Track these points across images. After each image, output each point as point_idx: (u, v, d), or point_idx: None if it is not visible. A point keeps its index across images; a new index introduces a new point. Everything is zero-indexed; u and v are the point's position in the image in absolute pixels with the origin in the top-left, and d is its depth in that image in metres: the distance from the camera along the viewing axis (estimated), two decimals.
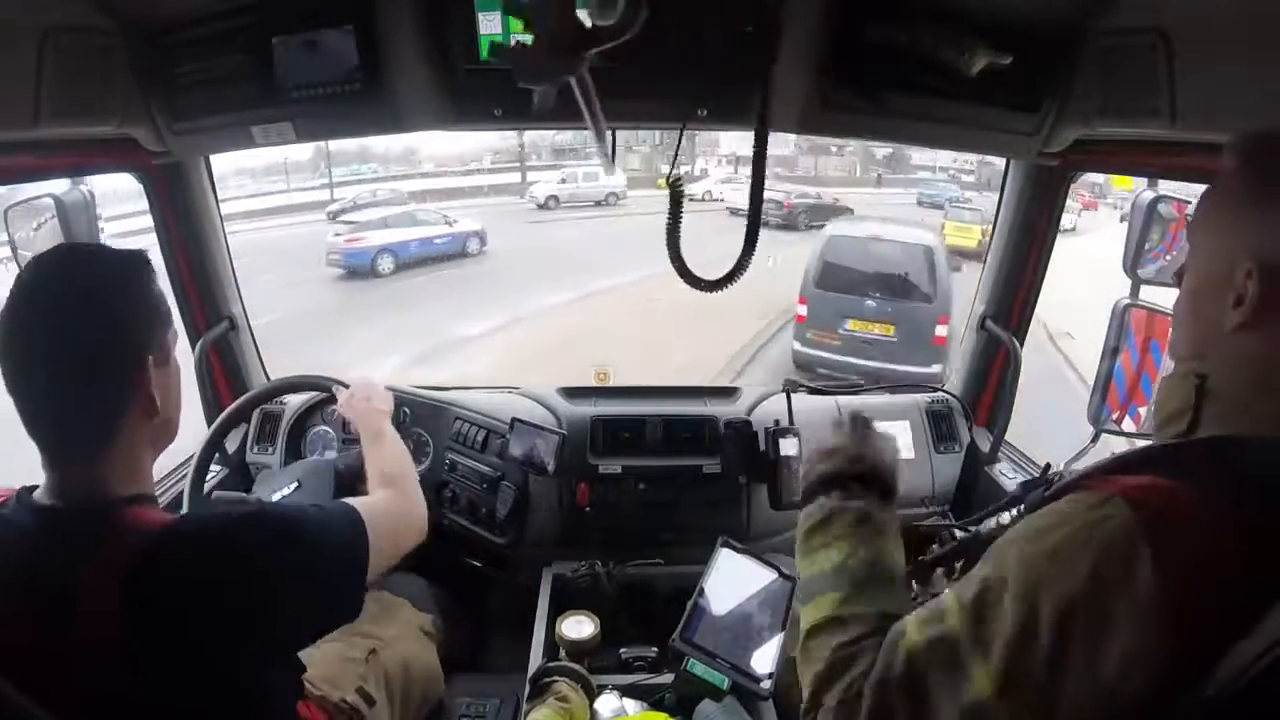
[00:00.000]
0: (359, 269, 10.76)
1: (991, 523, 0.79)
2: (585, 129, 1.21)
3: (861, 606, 0.66)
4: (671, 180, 1.05)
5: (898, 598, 0.68)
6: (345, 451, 1.60)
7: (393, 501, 1.04)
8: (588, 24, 0.67)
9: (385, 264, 10.92)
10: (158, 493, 1.25)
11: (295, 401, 1.71)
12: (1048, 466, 0.88)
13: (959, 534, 0.87)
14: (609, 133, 1.04)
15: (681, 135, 1.20)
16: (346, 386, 1.38)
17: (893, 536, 0.73)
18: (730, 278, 1.00)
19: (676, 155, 1.15)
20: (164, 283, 0.84)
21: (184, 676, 0.70)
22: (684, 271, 1.05)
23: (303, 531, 0.81)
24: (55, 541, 0.72)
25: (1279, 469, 0.50)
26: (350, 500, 0.92)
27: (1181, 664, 0.48)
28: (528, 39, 0.67)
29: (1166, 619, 0.47)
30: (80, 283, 0.75)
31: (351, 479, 1.37)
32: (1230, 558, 0.48)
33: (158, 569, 0.70)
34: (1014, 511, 0.77)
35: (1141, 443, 0.70)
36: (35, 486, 0.75)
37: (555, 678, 1.15)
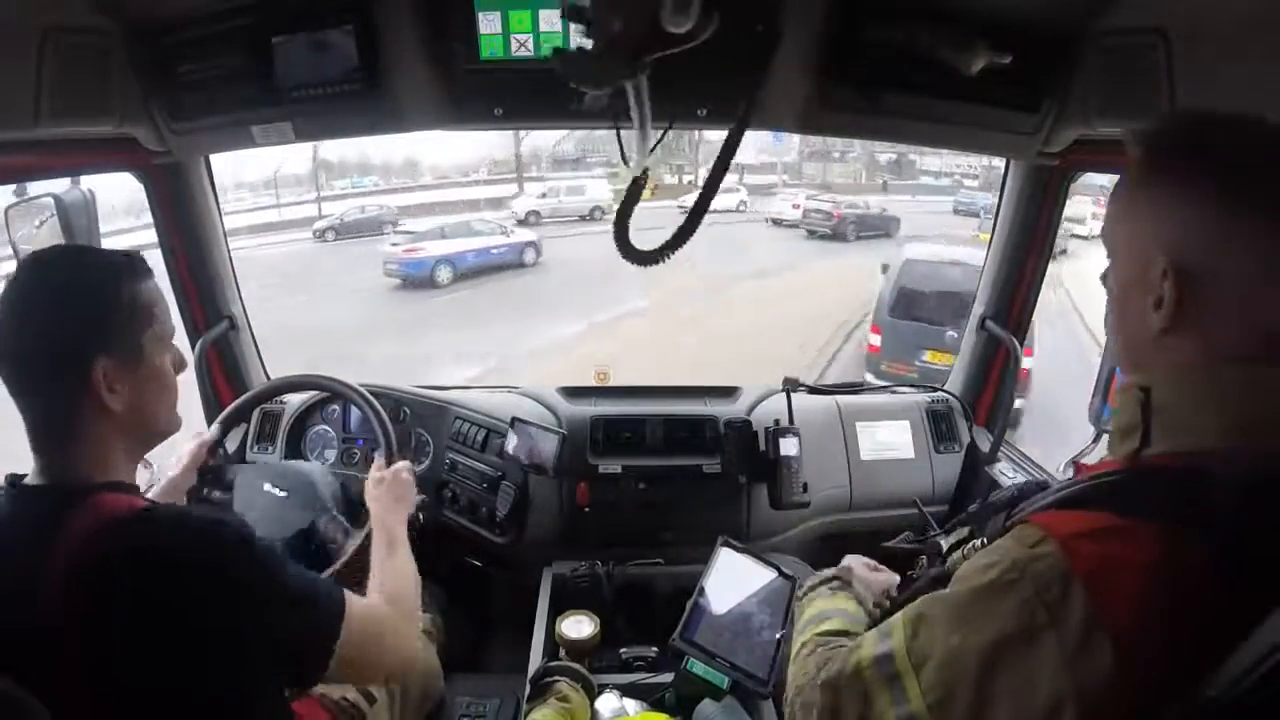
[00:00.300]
0: (417, 279, 10.82)
1: (957, 554, 0.79)
2: (586, 128, 1.21)
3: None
4: (641, 174, 1.07)
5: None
6: (347, 472, 1.55)
7: (387, 619, 0.94)
8: (658, 28, 0.65)
9: (443, 274, 10.94)
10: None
11: (295, 401, 1.71)
12: (1044, 483, 0.88)
13: (932, 570, 0.87)
14: (655, 133, 1.02)
15: (666, 132, 1.21)
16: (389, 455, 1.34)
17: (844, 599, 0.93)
18: (663, 253, 1.02)
19: (654, 147, 1.15)
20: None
21: (132, 663, 0.71)
22: (625, 245, 1.07)
23: (278, 570, 0.79)
24: (27, 521, 0.75)
25: (1210, 501, 0.48)
26: (348, 593, 0.87)
27: (1129, 696, 0.47)
28: (587, 43, 0.66)
29: (1109, 649, 0.47)
30: (48, 282, 0.79)
31: (351, 506, 1.34)
32: (1187, 589, 0.47)
33: (122, 549, 0.72)
34: (977, 543, 0.76)
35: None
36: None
37: (556, 678, 1.15)
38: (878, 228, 13.33)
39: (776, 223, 14.17)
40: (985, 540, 0.71)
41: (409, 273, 10.89)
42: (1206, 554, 0.47)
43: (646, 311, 8.83)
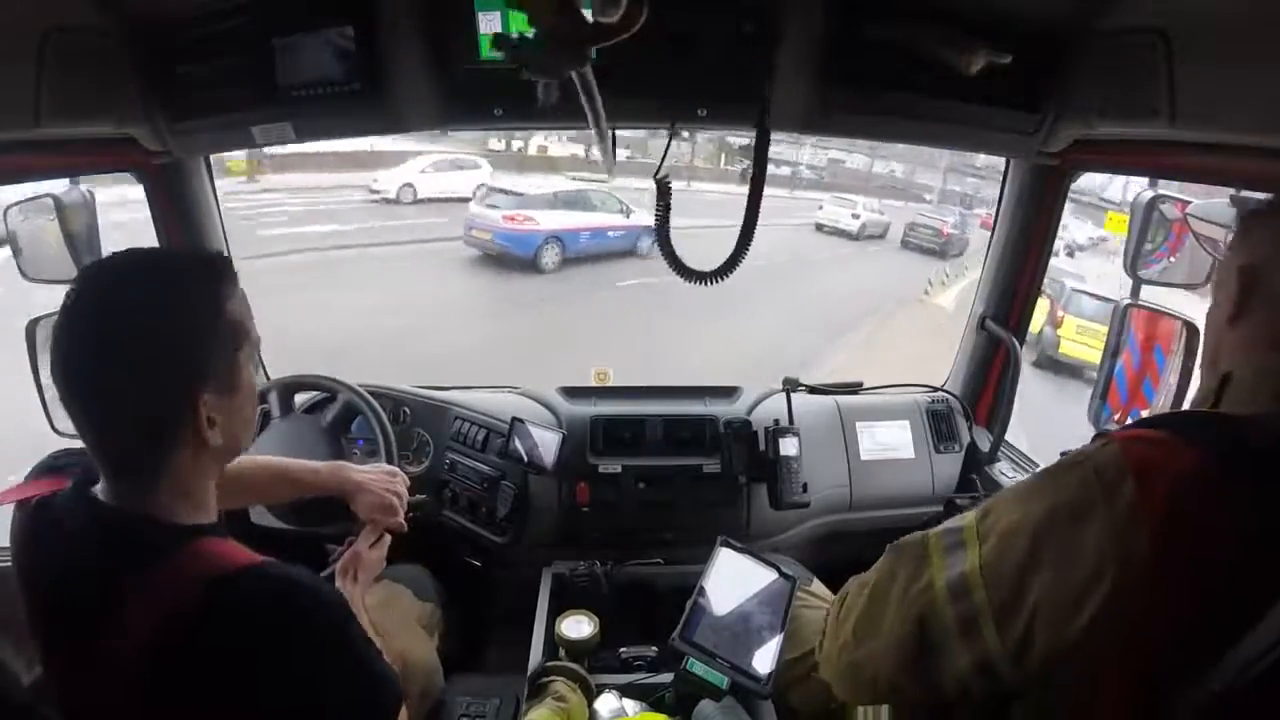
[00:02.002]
0: (516, 258, 8.32)
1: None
2: (585, 128, 1.21)
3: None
4: (659, 178, 1.06)
5: None
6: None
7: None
8: (590, 20, 0.66)
9: (550, 257, 8.57)
10: None
11: (295, 401, 1.71)
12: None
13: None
14: (610, 132, 1.03)
15: (671, 136, 1.22)
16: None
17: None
18: (724, 271, 1.03)
19: (665, 155, 1.16)
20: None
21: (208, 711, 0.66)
22: (677, 264, 1.09)
23: (363, 650, 0.74)
24: (122, 545, 0.68)
25: (1264, 440, 0.57)
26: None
27: (1153, 594, 0.53)
28: (530, 31, 0.66)
29: (1146, 537, 0.54)
30: (137, 297, 0.68)
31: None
32: (1211, 505, 0.54)
33: (230, 604, 0.65)
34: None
35: None
36: (95, 479, 0.72)
37: (553, 677, 1.15)
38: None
39: (819, 228, 14.24)
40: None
41: (508, 247, 8.35)
42: (1242, 482, 0.55)
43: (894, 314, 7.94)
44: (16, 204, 1.35)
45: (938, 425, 1.75)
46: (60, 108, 1.02)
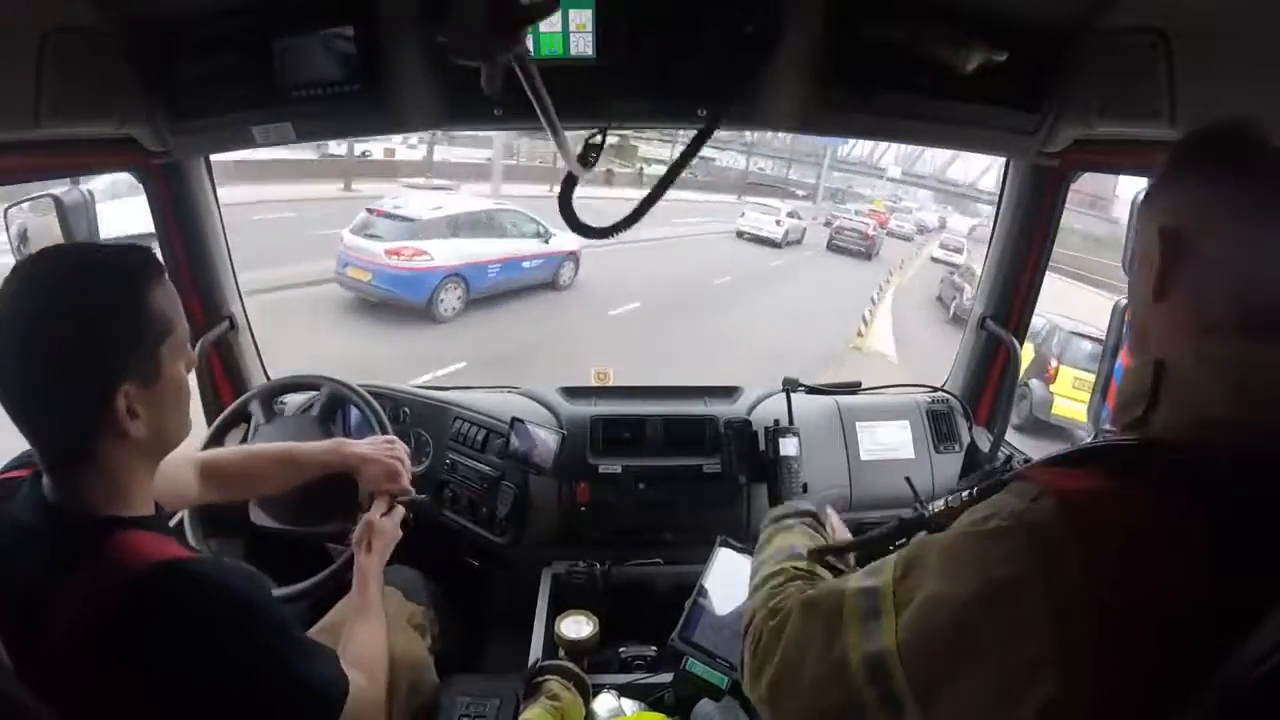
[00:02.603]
0: (405, 302, 6.39)
1: (940, 504, 0.79)
2: (585, 128, 1.21)
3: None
4: (586, 145, 1.10)
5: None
6: None
7: (365, 700, 0.90)
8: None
9: (451, 301, 6.70)
10: None
11: (295, 401, 1.71)
12: (1009, 459, 0.90)
13: (904, 515, 0.86)
14: (562, 129, 1.01)
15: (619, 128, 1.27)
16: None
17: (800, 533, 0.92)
18: (615, 229, 1.06)
19: (605, 140, 1.17)
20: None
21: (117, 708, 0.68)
22: (573, 220, 1.10)
23: (286, 650, 0.76)
24: (47, 540, 0.71)
25: (1212, 474, 0.48)
26: (351, 680, 0.85)
27: (1104, 683, 0.44)
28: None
29: (1094, 618, 0.45)
30: (56, 294, 0.70)
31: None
32: (1161, 561, 0.45)
33: (137, 605, 0.67)
34: (965, 494, 0.75)
35: None
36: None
37: (547, 676, 1.15)
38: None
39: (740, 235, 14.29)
40: (974, 491, 0.69)
41: (392, 293, 6.33)
42: (1201, 527, 0.46)
43: None
44: (16, 204, 1.35)
45: (938, 425, 1.75)
46: (60, 108, 1.01)
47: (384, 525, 1.18)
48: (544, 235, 7.80)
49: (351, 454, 1.23)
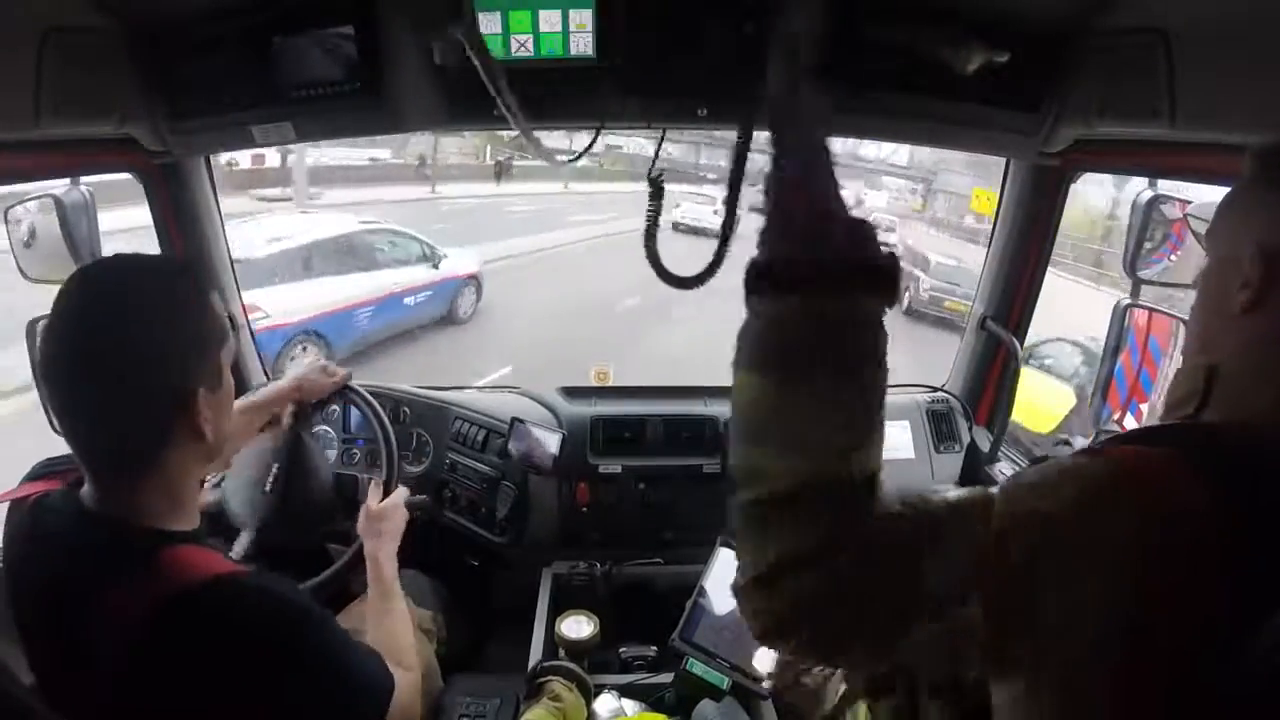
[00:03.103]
0: None
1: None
2: (586, 127, 1.21)
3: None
4: (653, 176, 1.06)
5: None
6: (347, 472, 1.57)
7: (406, 691, 0.91)
8: None
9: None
10: None
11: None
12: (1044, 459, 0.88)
13: None
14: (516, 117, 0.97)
15: (664, 135, 1.22)
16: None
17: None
18: (704, 277, 1.00)
19: (657, 154, 1.16)
20: None
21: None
22: (660, 270, 1.05)
23: (338, 653, 0.77)
24: (93, 552, 0.70)
25: (1262, 456, 0.50)
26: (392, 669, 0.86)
27: (1144, 621, 0.46)
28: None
29: (1142, 567, 0.46)
30: (128, 303, 0.70)
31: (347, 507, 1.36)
32: (1206, 527, 0.46)
33: (190, 621, 0.67)
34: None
35: None
36: (82, 480, 0.74)
37: (549, 677, 1.15)
38: None
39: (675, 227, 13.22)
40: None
41: None
42: (1243, 512, 0.46)
43: None
44: (17, 204, 1.35)
45: (938, 425, 1.75)
46: (60, 108, 1.01)
47: (385, 509, 1.21)
48: (432, 259, 6.20)
49: (291, 378, 1.39)
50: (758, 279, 0.55)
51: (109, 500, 0.71)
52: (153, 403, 0.70)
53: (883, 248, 0.56)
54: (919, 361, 1.73)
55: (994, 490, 0.55)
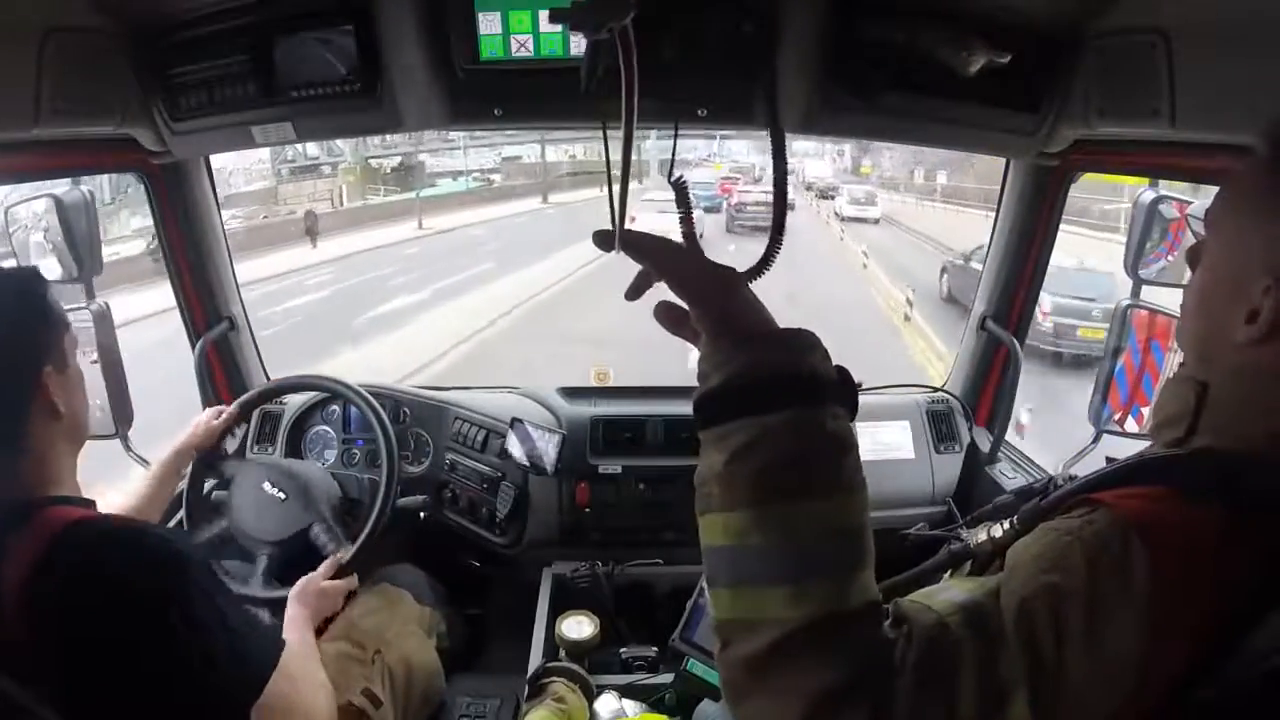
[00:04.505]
0: None
1: (982, 535, 0.78)
2: (585, 127, 1.21)
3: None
4: (674, 180, 1.05)
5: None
6: (347, 473, 1.55)
7: (315, 675, 0.95)
8: None
9: None
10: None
11: (295, 401, 1.71)
12: (1050, 480, 0.86)
13: (953, 545, 0.84)
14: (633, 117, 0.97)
15: (676, 135, 1.21)
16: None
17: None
18: (759, 270, 0.99)
19: (674, 155, 1.15)
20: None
21: (89, 681, 0.71)
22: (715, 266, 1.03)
23: (222, 600, 0.80)
24: None
25: (1268, 485, 0.48)
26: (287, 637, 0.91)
27: (1172, 665, 0.45)
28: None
29: (1162, 615, 0.45)
30: None
31: (348, 509, 1.39)
32: (1220, 563, 0.46)
33: (55, 565, 0.72)
34: (1005, 524, 0.74)
35: (1142, 444, 0.69)
36: None
37: (552, 678, 1.15)
38: None
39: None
40: (1015, 521, 0.68)
41: None
42: (1259, 538, 0.46)
43: None
44: (17, 204, 1.35)
45: (938, 425, 1.75)
46: (60, 108, 1.02)
47: (327, 589, 1.22)
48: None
49: (178, 444, 1.38)
50: (722, 406, 0.52)
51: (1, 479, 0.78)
52: (5, 382, 0.79)
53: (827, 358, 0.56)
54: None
55: (996, 581, 0.52)
